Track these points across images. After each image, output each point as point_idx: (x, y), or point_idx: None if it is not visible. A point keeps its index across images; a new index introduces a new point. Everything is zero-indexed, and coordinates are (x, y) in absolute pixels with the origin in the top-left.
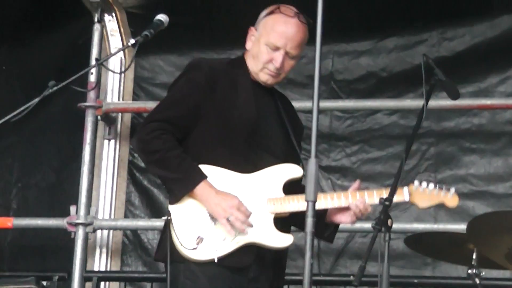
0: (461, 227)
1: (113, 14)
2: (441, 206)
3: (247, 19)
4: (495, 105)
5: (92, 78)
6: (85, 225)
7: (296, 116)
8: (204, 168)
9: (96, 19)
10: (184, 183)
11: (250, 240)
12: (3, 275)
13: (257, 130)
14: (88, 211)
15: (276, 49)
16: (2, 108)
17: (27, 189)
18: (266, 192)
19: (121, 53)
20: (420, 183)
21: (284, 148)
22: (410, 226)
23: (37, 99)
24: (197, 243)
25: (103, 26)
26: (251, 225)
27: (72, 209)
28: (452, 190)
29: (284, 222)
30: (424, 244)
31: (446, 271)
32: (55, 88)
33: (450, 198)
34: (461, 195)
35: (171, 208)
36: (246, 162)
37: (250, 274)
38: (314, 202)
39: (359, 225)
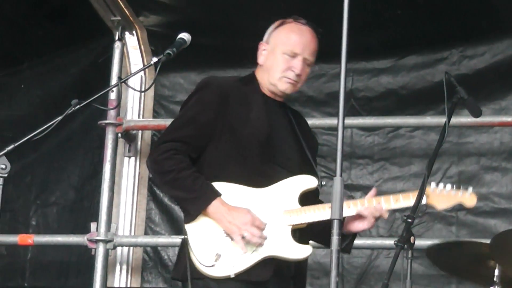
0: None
1: (134, 32)
2: (463, 224)
3: None
4: None
5: (113, 96)
6: (105, 242)
7: (310, 131)
8: (219, 185)
9: (117, 37)
10: (197, 202)
11: (268, 253)
12: None
13: (270, 144)
14: (108, 228)
15: (294, 56)
16: (23, 127)
17: (47, 207)
18: (282, 204)
19: (142, 71)
20: (437, 185)
21: (299, 162)
22: (432, 243)
23: (60, 118)
24: (215, 260)
25: (124, 44)
26: (266, 238)
27: (93, 226)
28: (470, 189)
29: (302, 233)
30: (446, 258)
31: None
32: (78, 106)
33: (468, 198)
34: (483, 213)
35: (187, 227)
36: (261, 177)
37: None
38: (340, 220)
39: (381, 242)
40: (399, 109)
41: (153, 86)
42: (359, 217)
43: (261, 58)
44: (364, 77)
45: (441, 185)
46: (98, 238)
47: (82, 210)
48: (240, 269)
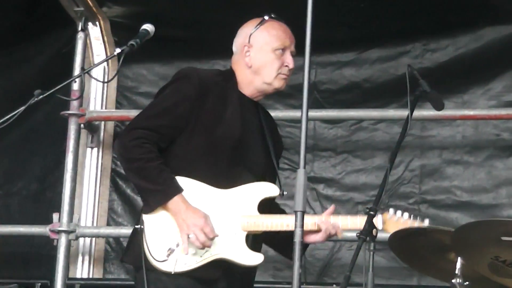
0: None
1: (97, 23)
2: (425, 217)
3: (231, 31)
4: (478, 116)
5: (76, 86)
6: (67, 232)
7: (277, 134)
8: (183, 180)
9: (80, 28)
10: (158, 195)
11: (220, 256)
12: None
13: (240, 146)
14: (70, 219)
15: (284, 50)
16: None
17: (9, 197)
18: (241, 209)
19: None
20: (395, 212)
21: (264, 166)
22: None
23: (22, 108)
24: (167, 255)
25: (87, 35)
26: (208, 246)
27: (55, 216)
28: (426, 221)
29: (256, 239)
30: (408, 247)
31: (432, 282)
32: (41, 96)
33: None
34: (445, 206)
35: (145, 217)
36: (225, 178)
37: (219, 286)
38: (303, 212)
39: (343, 234)
40: (363, 102)
41: (116, 77)
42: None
43: (247, 59)
44: (327, 70)
45: (398, 213)
46: (60, 228)
47: (45, 201)
48: (191, 267)
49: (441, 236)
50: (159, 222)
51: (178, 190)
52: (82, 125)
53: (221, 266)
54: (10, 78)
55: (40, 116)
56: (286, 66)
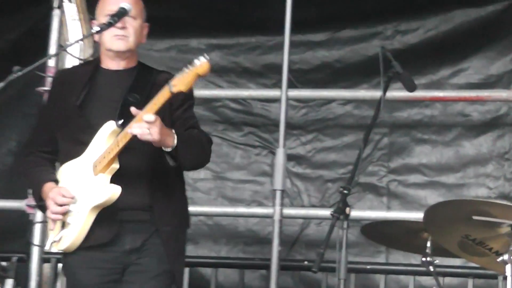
0: (413, 215)
1: (73, 0)
2: (394, 196)
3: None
4: (447, 97)
5: (52, 63)
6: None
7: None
8: (62, 168)
9: (55, 5)
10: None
11: (85, 208)
12: None
13: (81, 114)
14: None
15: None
16: None
17: None
18: (93, 158)
19: (80, 37)
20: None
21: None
22: (363, 214)
23: (2, 84)
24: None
25: (62, 12)
26: (61, 212)
27: (29, 190)
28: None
29: (119, 177)
30: (380, 233)
31: (399, 259)
32: (19, 73)
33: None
34: (413, 185)
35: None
36: (80, 145)
37: (125, 247)
38: (282, 191)
39: (314, 212)
40: (334, 82)
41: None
42: None
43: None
44: (299, 50)
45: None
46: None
47: (19, 175)
48: (71, 236)
49: (412, 223)
50: None
51: (41, 183)
52: None
53: (113, 229)
54: None
55: (14, 91)
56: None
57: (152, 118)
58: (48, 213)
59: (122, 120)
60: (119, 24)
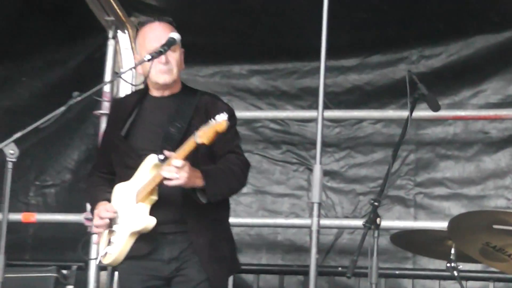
0: (438, 225)
1: (126, 31)
2: (420, 207)
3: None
4: (468, 116)
5: (107, 88)
6: None
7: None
8: (115, 188)
9: (110, 35)
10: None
11: (126, 232)
12: (27, 264)
13: (128, 139)
14: None
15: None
16: (24, 116)
17: (45, 188)
18: (137, 186)
19: (133, 64)
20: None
21: (155, 146)
22: (392, 224)
23: (63, 108)
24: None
25: (117, 42)
26: (104, 226)
27: (89, 205)
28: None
29: (156, 207)
30: (407, 241)
31: (425, 265)
32: (79, 98)
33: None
34: (437, 197)
35: None
36: (128, 169)
37: (153, 257)
38: (319, 203)
39: (347, 223)
40: (364, 103)
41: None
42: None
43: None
44: (332, 74)
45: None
46: None
47: (78, 191)
48: (114, 253)
49: (437, 232)
50: None
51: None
52: None
53: (148, 242)
54: (45, 79)
55: (73, 114)
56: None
57: (180, 164)
58: (93, 227)
59: (163, 157)
60: (162, 60)
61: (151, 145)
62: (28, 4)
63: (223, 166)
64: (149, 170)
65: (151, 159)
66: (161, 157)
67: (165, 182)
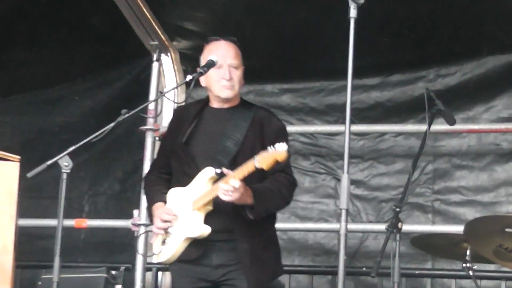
0: (454, 228)
1: (169, 54)
2: (437, 212)
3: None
4: (481, 130)
5: (152, 106)
6: (146, 225)
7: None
8: (170, 191)
9: (155, 58)
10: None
11: (182, 237)
12: (78, 265)
13: (188, 149)
14: None
15: (220, 67)
16: (77, 131)
17: (97, 196)
18: (194, 195)
19: (175, 84)
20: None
21: (214, 157)
22: (412, 228)
23: (112, 124)
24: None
25: (160, 64)
26: (165, 228)
27: (135, 212)
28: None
29: (211, 216)
30: (426, 244)
31: (443, 265)
32: (127, 115)
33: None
34: (453, 203)
35: None
36: (185, 177)
37: (201, 262)
38: (347, 210)
39: (371, 227)
40: (386, 118)
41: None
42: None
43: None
44: (357, 92)
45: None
46: (139, 222)
47: (126, 199)
48: (168, 253)
49: (454, 235)
50: None
51: (153, 202)
52: (156, 138)
53: (198, 248)
54: (95, 98)
55: (121, 130)
56: (224, 78)
57: (237, 185)
58: (153, 227)
59: (220, 171)
60: (226, 76)
61: (207, 154)
62: (81, 31)
63: (272, 186)
64: (206, 182)
65: (208, 171)
66: (218, 171)
67: (220, 196)
